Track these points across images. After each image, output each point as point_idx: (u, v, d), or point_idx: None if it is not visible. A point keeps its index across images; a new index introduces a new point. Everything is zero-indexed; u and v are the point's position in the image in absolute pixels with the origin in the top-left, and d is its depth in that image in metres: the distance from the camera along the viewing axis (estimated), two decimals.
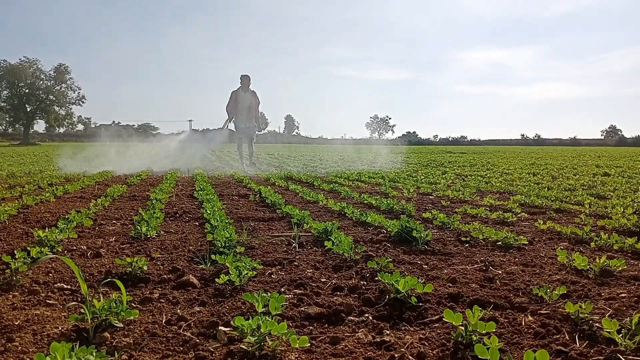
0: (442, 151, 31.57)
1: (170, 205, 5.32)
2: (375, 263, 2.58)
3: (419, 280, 2.21)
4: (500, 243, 3.25)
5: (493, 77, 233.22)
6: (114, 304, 1.83)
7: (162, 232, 3.74)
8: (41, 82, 57.08)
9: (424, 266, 2.75)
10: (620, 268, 2.53)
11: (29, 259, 2.62)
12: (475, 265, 2.75)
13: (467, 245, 3.30)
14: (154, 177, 9.57)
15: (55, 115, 58.83)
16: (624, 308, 1.98)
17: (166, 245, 3.30)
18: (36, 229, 3.62)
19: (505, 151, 33.91)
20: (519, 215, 4.56)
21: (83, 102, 59.77)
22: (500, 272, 2.61)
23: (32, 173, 10.06)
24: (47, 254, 2.88)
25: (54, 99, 57.71)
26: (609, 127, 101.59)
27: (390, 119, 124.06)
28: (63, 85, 58.06)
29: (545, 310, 1.97)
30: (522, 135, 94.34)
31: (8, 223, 4.09)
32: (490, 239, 3.35)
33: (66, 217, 3.96)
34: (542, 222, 3.91)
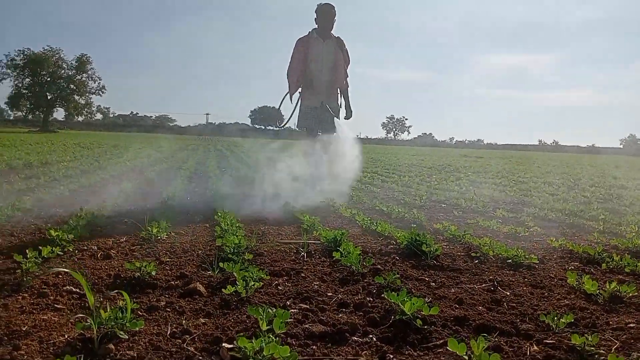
0: (458, 154, 31.36)
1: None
2: (382, 278, 2.57)
3: (426, 300, 2.20)
4: (510, 261, 3.21)
5: (512, 81, 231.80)
6: (120, 313, 1.84)
7: (172, 233, 3.77)
8: (63, 71, 57.76)
9: (432, 283, 2.73)
10: (630, 294, 2.49)
11: (40, 259, 2.66)
12: (484, 285, 2.73)
13: (476, 261, 3.27)
14: None
15: (75, 104, 59.42)
16: (632, 340, 1.95)
17: (175, 248, 3.33)
18: (48, 225, 3.67)
19: (522, 157, 33.58)
20: (531, 230, 4.50)
21: (103, 92, 60.29)
22: (508, 293, 2.59)
23: (49, 163, 10.16)
24: (57, 253, 2.93)
25: (74, 88, 58.30)
26: (629, 136, 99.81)
27: (406, 119, 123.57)
28: (84, 75, 58.66)
29: (552, 339, 1.95)
30: (540, 140, 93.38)
31: (21, 218, 4.15)
32: (500, 256, 3.31)
33: (78, 214, 4.00)
34: (554, 239, 3.86)
